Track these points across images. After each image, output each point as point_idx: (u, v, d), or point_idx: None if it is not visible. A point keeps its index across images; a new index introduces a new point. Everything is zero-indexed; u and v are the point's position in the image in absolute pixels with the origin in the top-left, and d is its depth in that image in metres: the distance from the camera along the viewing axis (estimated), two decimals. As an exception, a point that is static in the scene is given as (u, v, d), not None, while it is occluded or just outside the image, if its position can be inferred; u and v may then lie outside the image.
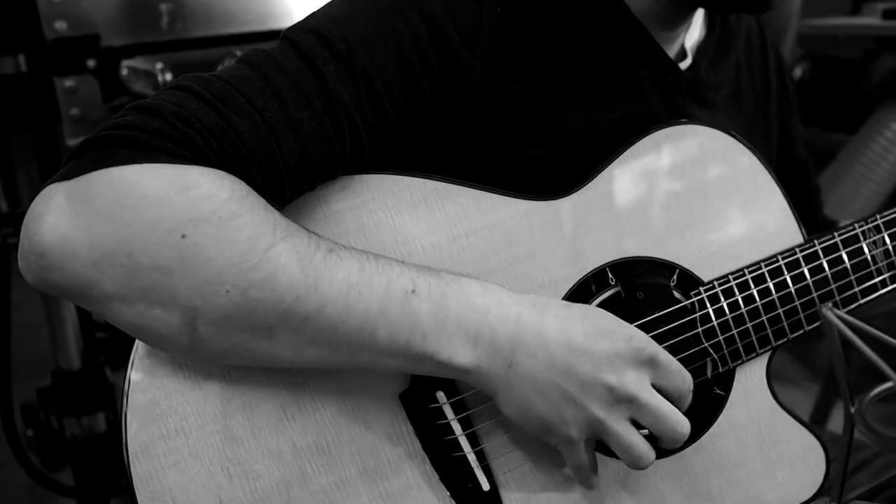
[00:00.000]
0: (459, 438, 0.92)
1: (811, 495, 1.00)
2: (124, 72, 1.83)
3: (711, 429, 0.99)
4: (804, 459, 1.01)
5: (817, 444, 1.01)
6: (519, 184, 0.97)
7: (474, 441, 0.93)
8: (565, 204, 0.96)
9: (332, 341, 0.83)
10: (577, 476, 0.93)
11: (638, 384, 0.87)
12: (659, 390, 0.89)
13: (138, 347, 0.86)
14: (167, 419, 0.86)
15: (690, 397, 0.90)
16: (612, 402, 0.87)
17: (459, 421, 0.92)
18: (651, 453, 0.88)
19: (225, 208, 0.78)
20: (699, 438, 0.98)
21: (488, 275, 0.94)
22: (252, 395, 0.88)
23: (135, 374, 0.86)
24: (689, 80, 1.05)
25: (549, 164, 0.98)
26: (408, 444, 0.92)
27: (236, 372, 0.88)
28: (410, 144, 0.94)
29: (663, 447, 0.91)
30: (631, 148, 0.98)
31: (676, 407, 0.89)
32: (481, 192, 0.94)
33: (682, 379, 0.90)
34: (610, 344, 0.87)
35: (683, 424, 0.88)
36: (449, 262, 0.93)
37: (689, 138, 0.99)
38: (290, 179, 0.85)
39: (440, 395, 0.92)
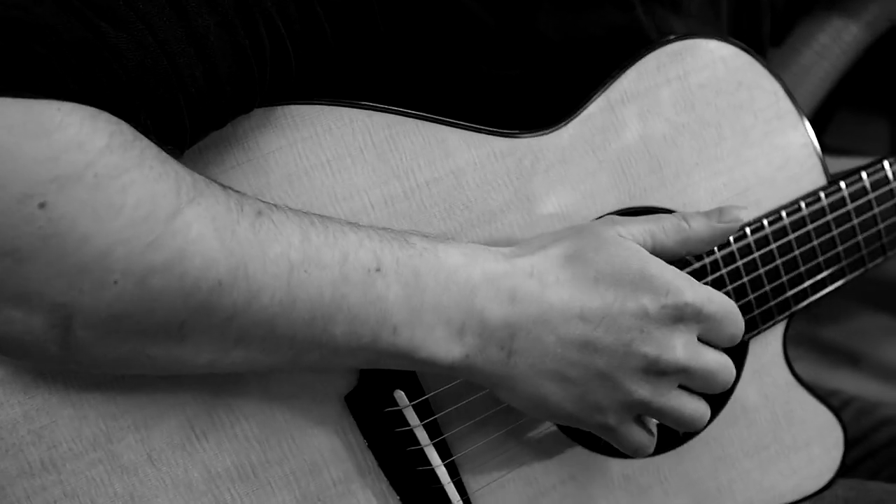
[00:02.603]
0: (426, 449, 0.71)
1: (828, 481, 0.86)
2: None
3: (721, 413, 0.82)
4: (822, 440, 0.86)
5: (835, 421, 0.86)
6: (488, 114, 0.75)
7: (444, 451, 0.73)
8: (550, 140, 0.75)
9: (267, 341, 0.61)
10: (633, 455, 0.74)
11: (687, 350, 0.68)
12: (706, 341, 0.70)
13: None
14: (28, 449, 0.63)
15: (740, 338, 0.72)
16: (655, 375, 0.68)
17: (426, 427, 0.72)
18: (706, 414, 0.71)
19: (102, 161, 0.54)
20: (707, 426, 0.81)
21: (456, 236, 0.72)
22: (147, 408, 0.65)
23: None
24: None
25: (522, 86, 0.77)
26: (357, 460, 0.71)
27: (124, 379, 0.64)
28: (350, 64, 0.70)
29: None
30: (629, 70, 0.77)
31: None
32: (446, 126, 0.72)
33: (734, 323, 0.70)
34: (637, 306, 0.67)
35: (731, 371, 0.71)
36: (405, 222, 0.71)
37: (699, 57, 0.79)
38: (190, 114, 0.61)
39: (399, 395, 0.70)
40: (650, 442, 0.72)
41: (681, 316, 0.68)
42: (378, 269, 0.62)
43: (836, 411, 0.85)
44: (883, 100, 2.79)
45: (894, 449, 1.05)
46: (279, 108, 0.68)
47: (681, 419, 0.70)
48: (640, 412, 0.70)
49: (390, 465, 0.71)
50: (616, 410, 0.68)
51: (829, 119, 2.48)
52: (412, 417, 0.71)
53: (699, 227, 0.73)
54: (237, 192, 0.61)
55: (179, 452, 0.66)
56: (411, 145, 0.71)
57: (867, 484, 0.85)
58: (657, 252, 0.71)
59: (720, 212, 0.73)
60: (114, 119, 0.56)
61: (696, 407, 0.70)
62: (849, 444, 0.85)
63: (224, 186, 0.61)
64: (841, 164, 0.99)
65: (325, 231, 0.62)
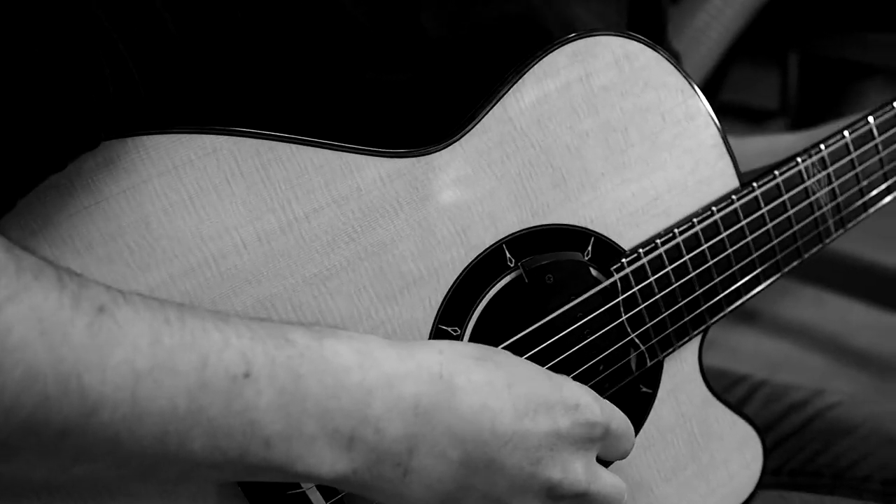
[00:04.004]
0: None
1: (748, 496, 0.82)
2: None
3: (637, 438, 0.77)
4: (740, 455, 0.81)
5: (753, 433, 0.82)
6: (377, 128, 0.67)
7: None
8: (442, 158, 0.68)
9: (114, 457, 0.52)
10: None
11: (588, 473, 0.63)
12: (601, 460, 0.66)
13: None
14: None
15: None
16: (553, 501, 0.62)
17: None
18: None
19: None
20: (624, 452, 0.76)
21: (341, 272, 0.65)
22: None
23: None
24: None
25: (413, 92, 0.69)
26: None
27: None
28: (213, 81, 0.62)
29: None
30: (525, 75, 0.70)
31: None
32: (324, 150, 0.64)
33: (630, 440, 0.67)
34: (550, 422, 0.61)
35: (625, 499, 0.66)
36: (283, 260, 0.63)
37: (601, 57, 0.72)
38: (12, 157, 0.52)
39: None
40: None
41: (590, 435, 0.62)
42: (247, 375, 0.53)
43: (754, 423, 0.81)
44: (773, 53, 2.80)
45: (803, 437, 1.03)
46: (129, 140, 0.59)
47: None
48: None
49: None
50: None
51: (724, 75, 2.48)
52: (317, 499, 0.64)
53: None
54: (78, 277, 0.52)
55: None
56: (285, 173, 0.63)
57: (789, 497, 0.82)
58: None
59: None
60: None
61: None
62: (767, 454, 0.82)
63: (61, 272, 0.51)
64: (751, 146, 0.94)
65: (182, 329, 0.53)
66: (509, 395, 0.60)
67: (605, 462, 0.68)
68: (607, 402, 0.65)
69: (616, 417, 0.65)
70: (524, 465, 0.60)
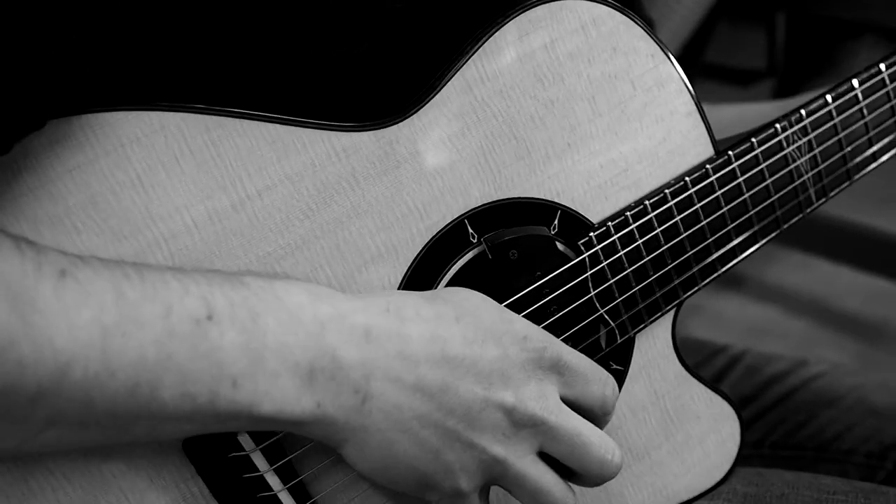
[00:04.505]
0: (280, 495, 0.63)
1: (724, 474, 0.80)
2: None
3: (608, 416, 0.75)
4: (716, 433, 0.79)
5: (730, 411, 0.80)
6: (331, 102, 0.65)
7: (301, 495, 0.65)
8: (400, 131, 0.65)
9: (85, 418, 0.53)
10: None
11: (543, 400, 0.62)
12: (572, 405, 0.64)
13: None
14: None
15: (614, 408, 0.66)
16: (512, 429, 0.61)
17: (277, 472, 0.63)
18: (570, 497, 0.64)
19: None
20: (593, 430, 0.74)
21: (296, 250, 0.63)
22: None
23: None
24: None
25: (372, 64, 0.67)
26: (202, 512, 0.63)
27: None
28: (158, 56, 0.59)
29: (586, 484, 0.66)
30: (486, 42, 0.67)
31: (598, 425, 0.65)
32: (276, 125, 0.62)
33: (602, 383, 0.65)
34: (499, 349, 0.61)
35: (613, 451, 0.64)
36: (236, 239, 0.61)
37: (567, 21, 0.69)
38: None
39: (245, 438, 0.61)
40: None
41: (540, 363, 0.61)
42: (209, 318, 0.54)
43: (731, 399, 0.79)
44: (759, 11, 2.74)
45: (786, 408, 1.01)
46: (75, 118, 0.57)
47: (537, 494, 0.63)
48: (496, 473, 0.62)
49: (239, 515, 0.63)
50: (468, 471, 0.61)
51: (709, 35, 2.43)
52: (261, 462, 0.62)
53: None
54: (33, 245, 0.52)
55: (-15, 530, 0.57)
56: (236, 150, 0.61)
57: (767, 475, 0.80)
58: None
59: None
60: None
61: (555, 484, 0.63)
62: (745, 432, 0.80)
63: (17, 240, 0.51)
64: (725, 113, 0.92)
65: (143, 282, 0.53)
66: (457, 325, 0.61)
67: (588, 415, 0.65)
68: (560, 342, 0.64)
69: (568, 351, 0.64)
70: (476, 389, 0.60)
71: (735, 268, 0.78)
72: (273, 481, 0.63)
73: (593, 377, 0.64)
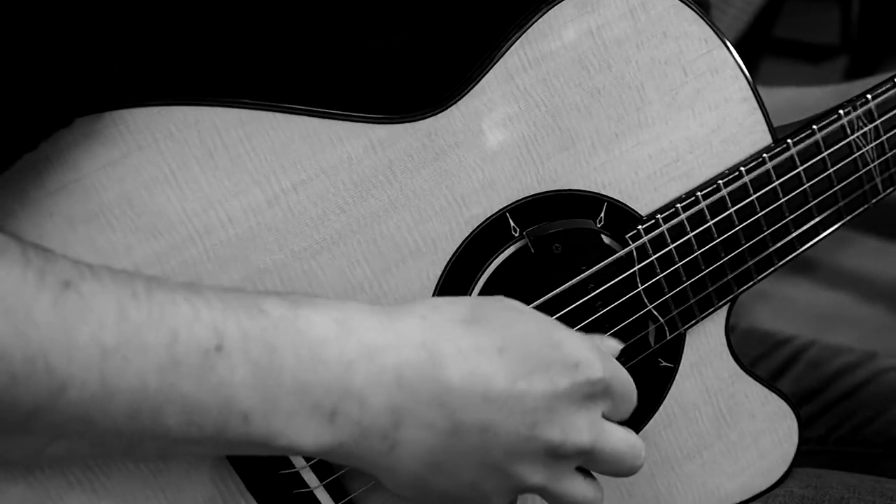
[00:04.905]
0: (316, 492, 0.63)
1: (781, 475, 0.77)
2: None
3: (657, 414, 0.72)
4: (772, 433, 0.76)
5: (788, 409, 0.76)
6: (368, 94, 0.64)
7: (338, 493, 0.64)
8: (438, 123, 0.64)
9: (89, 435, 0.51)
10: None
11: (592, 432, 0.59)
12: (607, 418, 0.61)
13: None
14: None
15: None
16: (555, 462, 0.59)
17: (327, 488, 0.62)
18: (601, 496, 0.62)
19: None
20: (642, 428, 0.72)
21: (332, 245, 0.62)
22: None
23: None
24: None
25: (410, 55, 0.65)
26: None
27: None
28: (191, 50, 0.59)
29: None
30: (528, 29, 0.65)
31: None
32: (310, 118, 0.61)
33: (632, 401, 0.62)
34: (547, 383, 0.57)
35: (641, 455, 0.62)
36: (271, 234, 0.61)
37: (614, 6, 0.67)
38: None
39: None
40: None
41: (592, 393, 0.58)
42: (219, 348, 0.51)
43: (788, 399, 0.76)
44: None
45: (853, 403, 0.96)
46: (107, 114, 0.57)
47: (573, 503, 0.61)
48: (532, 493, 0.60)
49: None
50: (503, 496, 0.59)
51: (779, 9, 2.34)
52: (311, 478, 0.62)
53: None
54: (43, 253, 0.50)
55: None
56: (270, 144, 0.60)
57: (826, 477, 0.77)
58: None
59: None
60: None
61: (591, 493, 0.61)
62: (803, 429, 0.77)
63: (27, 248, 0.50)
64: (780, 96, 0.87)
65: (150, 303, 0.51)
66: (501, 358, 0.57)
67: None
68: (611, 359, 0.61)
69: (618, 376, 0.61)
70: (521, 429, 0.57)
71: (806, 252, 0.75)
72: (323, 498, 0.63)
73: (628, 397, 0.62)
